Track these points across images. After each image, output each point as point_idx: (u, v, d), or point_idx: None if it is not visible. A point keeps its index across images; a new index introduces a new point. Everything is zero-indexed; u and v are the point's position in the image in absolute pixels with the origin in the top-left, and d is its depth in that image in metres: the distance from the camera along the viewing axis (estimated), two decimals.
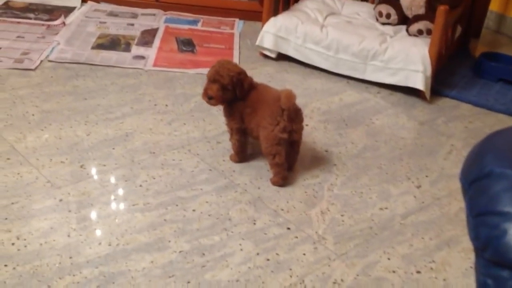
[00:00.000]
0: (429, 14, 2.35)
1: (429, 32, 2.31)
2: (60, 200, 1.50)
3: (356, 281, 1.34)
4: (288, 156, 1.67)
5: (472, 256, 1.41)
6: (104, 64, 2.30)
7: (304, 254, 1.40)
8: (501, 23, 3.05)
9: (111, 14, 2.77)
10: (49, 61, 2.28)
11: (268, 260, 1.37)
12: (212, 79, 1.63)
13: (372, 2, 2.75)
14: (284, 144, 1.63)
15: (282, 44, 2.47)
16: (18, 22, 2.57)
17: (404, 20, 2.50)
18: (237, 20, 2.88)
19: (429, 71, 2.23)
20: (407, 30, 2.42)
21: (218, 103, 1.66)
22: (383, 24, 2.53)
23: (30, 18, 2.62)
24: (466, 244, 1.51)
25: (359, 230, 1.52)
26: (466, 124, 2.16)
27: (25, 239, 1.36)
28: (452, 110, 2.25)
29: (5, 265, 1.28)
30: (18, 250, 1.33)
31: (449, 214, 1.63)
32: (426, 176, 1.80)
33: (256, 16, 2.77)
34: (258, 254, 1.39)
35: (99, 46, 2.43)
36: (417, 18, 2.39)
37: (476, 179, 0.57)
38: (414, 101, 2.29)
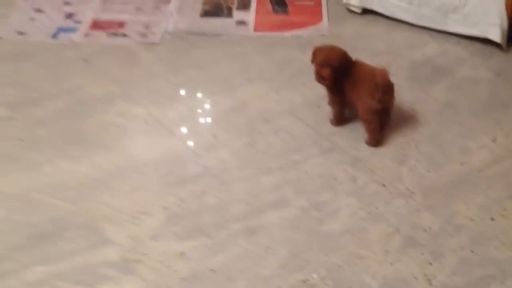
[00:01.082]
0: None
1: None
2: (205, 167, 1.95)
3: (442, 228, 1.71)
4: (380, 120, 2.02)
5: None
6: (213, 32, 2.66)
7: (398, 207, 1.79)
8: None
9: None
10: (167, 32, 2.67)
11: (369, 213, 1.77)
12: (324, 63, 1.95)
13: None
14: (378, 112, 1.97)
15: (367, 0, 2.72)
16: None
17: None
18: None
19: (505, 24, 2.43)
20: None
21: (330, 83, 1.99)
22: None
23: None
24: None
25: (442, 184, 1.87)
26: None
27: (186, 201, 1.82)
28: None
29: (177, 223, 1.75)
30: (183, 210, 1.79)
31: None
32: (501, 130, 2.09)
33: None
34: (361, 208, 1.79)
35: (206, 13, 2.79)
36: None
37: None
38: (492, 51, 2.51)
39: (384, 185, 1.87)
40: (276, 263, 1.62)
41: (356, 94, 1.98)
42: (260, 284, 1.56)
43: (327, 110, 2.15)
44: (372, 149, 2.02)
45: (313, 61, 2.01)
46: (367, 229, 1.72)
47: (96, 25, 2.70)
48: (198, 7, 2.84)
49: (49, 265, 1.61)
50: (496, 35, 2.45)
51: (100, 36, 2.63)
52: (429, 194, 1.84)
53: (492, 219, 1.75)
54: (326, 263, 1.62)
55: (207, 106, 2.24)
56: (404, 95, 2.25)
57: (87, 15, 2.76)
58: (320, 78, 1.99)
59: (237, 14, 2.78)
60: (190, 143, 2.06)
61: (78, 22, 2.71)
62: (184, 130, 2.12)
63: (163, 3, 2.86)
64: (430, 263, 1.61)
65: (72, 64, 2.47)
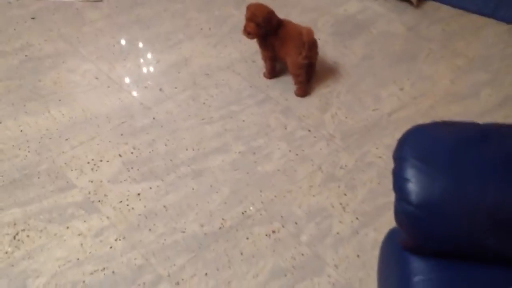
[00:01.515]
0: None
1: None
2: (153, 118, 2.20)
3: (355, 165, 2.07)
4: (306, 73, 2.32)
5: None
6: None
7: (320, 149, 2.12)
8: None
9: None
10: None
11: (297, 155, 2.10)
12: (249, 19, 2.21)
13: None
14: (305, 66, 2.26)
15: None
16: None
17: None
18: None
19: None
20: None
21: (254, 37, 2.26)
22: None
23: None
24: None
25: (357, 128, 2.22)
26: (443, 26, 2.74)
27: (139, 149, 2.08)
28: (434, 13, 2.81)
29: (132, 168, 2.02)
30: (136, 157, 2.06)
31: (422, 110, 2.31)
32: (408, 79, 2.44)
33: None
34: (290, 151, 2.11)
35: None
36: None
37: (398, 157, 1.25)
38: (405, 7, 2.84)
39: (309, 130, 2.19)
40: (220, 199, 1.93)
41: (285, 51, 2.26)
42: (207, 216, 1.87)
43: (261, 65, 2.43)
44: (300, 99, 2.32)
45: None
46: (295, 168, 2.05)
47: None
48: None
49: (22, 207, 1.85)
50: None
51: None
52: (346, 137, 2.18)
53: None
54: (261, 198, 1.94)
55: (152, 62, 2.46)
56: (328, 49, 2.55)
57: None
58: (245, 32, 2.24)
59: None
60: (139, 97, 2.29)
61: None
62: (132, 84, 2.35)
63: None
64: (345, 194, 1.96)
65: (21, 22, 2.61)
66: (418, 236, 1.24)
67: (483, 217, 1.16)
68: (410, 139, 1.27)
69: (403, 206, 1.20)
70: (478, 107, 2.30)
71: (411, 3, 2.83)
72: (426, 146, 1.26)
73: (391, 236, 1.43)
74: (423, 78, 2.45)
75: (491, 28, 2.71)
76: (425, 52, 2.58)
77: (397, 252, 1.33)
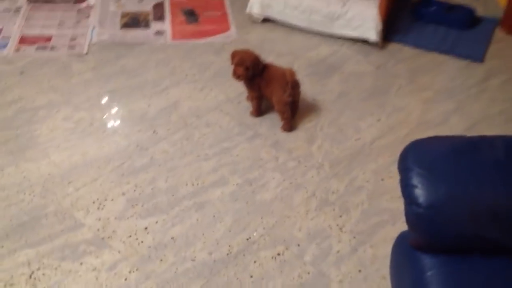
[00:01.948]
0: None
1: None
2: (151, 158, 2.29)
3: (346, 190, 2.21)
4: (291, 110, 2.48)
5: None
6: (135, 42, 2.98)
7: (312, 177, 2.26)
8: None
9: None
10: (93, 44, 2.95)
11: (291, 183, 2.22)
12: (239, 63, 2.38)
13: None
14: (289, 104, 2.43)
15: (268, 10, 3.18)
16: (52, 9, 3.18)
17: None
18: None
19: (379, 27, 3.01)
20: None
21: (243, 79, 2.42)
22: None
23: (57, 2, 3.21)
24: None
25: (343, 156, 2.37)
26: (408, 64, 2.98)
27: (141, 187, 2.16)
28: (398, 53, 3.06)
29: (136, 204, 2.09)
30: (139, 194, 2.14)
31: (400, 138, 2.49)
32: (383, 111, 2.64)
33: None
34: (284, 180, 2.24)
35: (125, 25, 3.10)
36: None
37: (403, 168, 1.41)
38: (371, 49, 3.08)
39: (299, 161, 2.33)
40: (224, 228, 2.02)
41: (270, 90, 2.43)
42: (214, 244, 1.96)
43: (246, 105, 2.58)
44: (287, 133, 2.48)
45: (232, 62, 2.44)
46: (290, 196, 2.17)
47: (25, 40, 2.92)
48: (117, 20, 3.14)
49: (34, 247, 1.89)
50: (373, 36, 3.03)
51: (30, 50, 2.86)
52: (334, 165, 2.32)
53: (382, 179, 2.27)
54: (263, 224, 2.04)
55: (143, 107, 2.57)
56: (307, 88, 2.73)
57: (14, 31, 2.96)
58: (235, 75, 2.41)
59: (154, 25, 3.13)
60: (135, 139, 2.39)
61: (6, 38, 2.91)
62: (127, 129, 2.45)
63: (83, 17, 3.12)
64: (340, 216, 2.09)
65: (10, 77, 2.69)
66: (428, 234, 1.38)
67: (484, 213, 1.32)
68: (411, 152, 1.43)
69: (413, 209, 1.35)
70: (449, 132, 2.51)
71: (376, 45, 3.07)
72: (426, 156, 1.43)
73: (400, 240, 1.56)
74: (397, 109, 2.65)
75: (451, 64, 2.98)
76: (395, 87, 2.80)
77: (409, 252, 1.47)
